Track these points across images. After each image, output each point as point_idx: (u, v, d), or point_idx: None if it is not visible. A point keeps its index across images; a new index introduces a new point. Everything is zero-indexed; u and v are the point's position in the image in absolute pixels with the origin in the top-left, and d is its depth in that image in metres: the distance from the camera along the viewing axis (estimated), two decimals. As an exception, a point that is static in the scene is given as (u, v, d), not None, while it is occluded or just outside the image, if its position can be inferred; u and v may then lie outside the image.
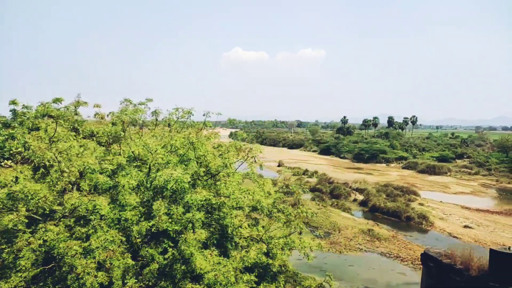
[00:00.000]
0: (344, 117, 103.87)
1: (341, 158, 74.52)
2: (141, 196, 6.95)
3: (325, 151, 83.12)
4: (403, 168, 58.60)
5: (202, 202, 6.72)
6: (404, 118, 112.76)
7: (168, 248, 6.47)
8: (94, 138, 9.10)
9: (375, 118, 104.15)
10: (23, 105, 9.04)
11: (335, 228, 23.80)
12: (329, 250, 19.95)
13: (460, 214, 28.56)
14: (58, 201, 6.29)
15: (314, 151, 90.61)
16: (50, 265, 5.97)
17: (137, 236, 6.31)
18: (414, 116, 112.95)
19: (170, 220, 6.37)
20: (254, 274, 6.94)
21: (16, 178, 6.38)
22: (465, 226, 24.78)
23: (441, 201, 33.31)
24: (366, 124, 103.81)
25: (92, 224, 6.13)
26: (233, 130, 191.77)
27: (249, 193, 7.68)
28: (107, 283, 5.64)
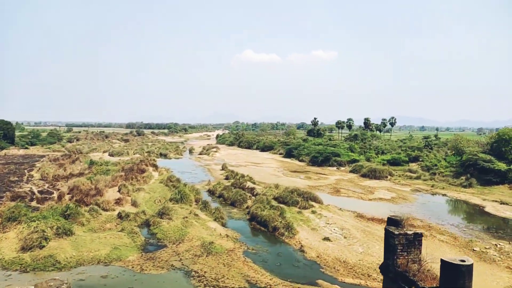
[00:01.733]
0: (315, 118, 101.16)
1: (299, 161, 72.17)
2: None
3: (289, 153, 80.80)
4: (350, 171, 55.99)
5: None
6: (383, 119, 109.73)
7: None
8: None
9: (349, 119, 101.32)
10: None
11: (177, 241, 21.62)
12: (133, 267, 17.78)
13: (343, 223, 26.05)
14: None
15: (280, 153, 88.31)
16: None
17: None
18: (393, 118, 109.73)
19: None
20: None
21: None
22: (325, 238, 22.33)
23: (340, 209, 30.83)
24: (339, 126, 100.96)
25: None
26: (222, 132, 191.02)
27: None
28: None
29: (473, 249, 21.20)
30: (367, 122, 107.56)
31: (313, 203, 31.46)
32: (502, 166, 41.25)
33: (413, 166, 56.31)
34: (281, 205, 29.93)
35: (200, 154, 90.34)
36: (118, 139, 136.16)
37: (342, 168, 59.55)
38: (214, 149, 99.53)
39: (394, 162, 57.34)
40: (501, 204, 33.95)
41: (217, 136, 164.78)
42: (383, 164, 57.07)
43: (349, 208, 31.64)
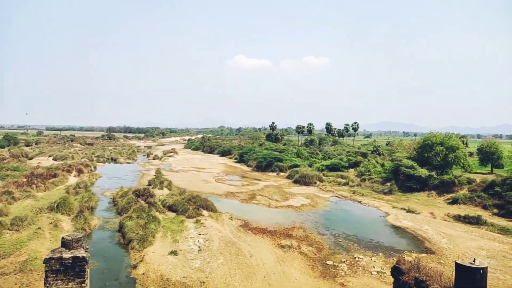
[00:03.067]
0: (273, 123, 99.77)
1: (247, 166, 70.47)
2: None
3: (241, 158, 79.10)
4: (286, 177, 54.52)
5: None
6: (345, 124, 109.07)
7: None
8: None
9: (309, 124, 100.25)
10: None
11: (3, 255, 19.39)
12: None
13: (215, 234, 24.14)
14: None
15: (236, 158, 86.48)
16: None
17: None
18: (356, 123, 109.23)
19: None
20: None
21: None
22: (172, 252, 20.34)
23: (231, 218, 29.03)
24: (299, 131, 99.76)
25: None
26: (194, 137, 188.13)
27: None
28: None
29: (326, 263, 19.61)
30: (328, 127, 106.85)
31: (204, 211, 29.65)
32: (423, 172, 40.25)
33: (351, 172, 55.17)
34: (162, 214, 28.11)
35: (154, 159, 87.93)
36: (81, 143, 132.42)
37: (282, 174, 58.05)
38: (171, 154, 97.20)
39: (333, 168, 56.11)
40: (407, 212, 32.73)
41: (189, 140, 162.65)
42: (322, 170, 55.86)
43: (246, 216, 29.95)
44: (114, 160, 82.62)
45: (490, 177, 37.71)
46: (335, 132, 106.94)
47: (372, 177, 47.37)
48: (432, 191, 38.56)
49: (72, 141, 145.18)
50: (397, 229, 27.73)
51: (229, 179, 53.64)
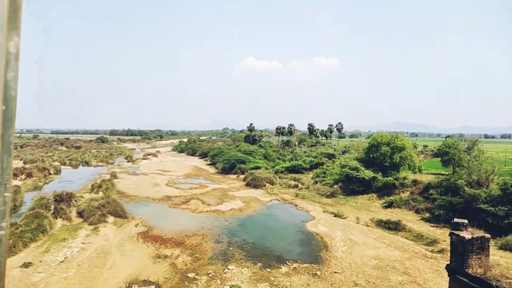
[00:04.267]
0: (251, 124, 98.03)
1: (215, 168, 69.03)
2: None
3: (213, 161, 77.72)
4: (243, 179, 52.83)
5: None
6: (329, 125, 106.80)
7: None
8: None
9: (290, 125, 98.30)
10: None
11: None
12: None
13: (98, 242, 22.84)
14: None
15: (210, 160, 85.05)
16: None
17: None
18: (340, 123, 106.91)
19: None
20: None
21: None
22: (24, 265, 19.02)
23: (136, 225, 27.58)
24: (279, 132, 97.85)
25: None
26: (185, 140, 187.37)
27: None
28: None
29: (187, 276, 17.98)
30: (311, 128, 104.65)
31: (110, 217, 28.29)
32: (367, 174, 38.24)
33: (310, 174, 53.30)
34: (66, 221, 26.83)
35: (129, 161, 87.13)
36: (67, 147, 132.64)
37: (241, 176, 56.40)
38: (149, 157, 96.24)
39: (293, 170, 54.35)
40: (334, 216, 30.88)
41: (180, 143, 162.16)
42: (281, 172, 54.16)
43: (158, 223, 28.53)
44: (86, 163, 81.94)
45: (433, 179, 35.53)
46: (318, 133, 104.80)
47: (325, 180, 45.49)
48: (373, 194, 36.61)
49: (62, 144, 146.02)
50: (308, 235, 25.92)
51: (184, 182, 52.18)
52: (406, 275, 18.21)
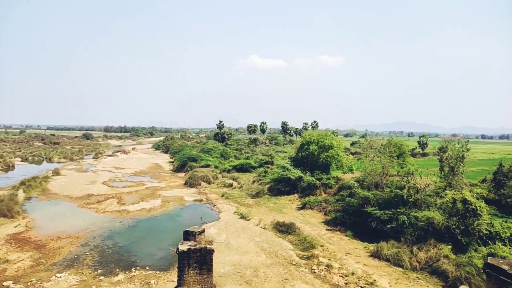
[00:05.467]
0: (220, 121, 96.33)
1: (173, 165, 67.53)
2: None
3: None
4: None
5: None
6: (304, 123, 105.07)
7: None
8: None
9: (263, 123, 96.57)
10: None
11: None
12: None
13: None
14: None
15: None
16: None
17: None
18: (315, 121, 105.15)
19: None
20: None
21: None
22: None
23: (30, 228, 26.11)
24: (250, 130, 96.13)
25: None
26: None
27: None
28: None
29: None
30: (284, 126, 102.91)
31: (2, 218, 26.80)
32: (293, 174, 36.63)
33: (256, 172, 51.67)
34: None
35: (94, 158, 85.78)
36: (45, 143, 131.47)
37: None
38: (117, 154, 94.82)
39: (241, 168, 52.73)
40: (240, 218, 29.36)
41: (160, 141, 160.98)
42: (229, 170, 52.62)
43: (49, 223, 27.13)
44: (49, 160, 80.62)
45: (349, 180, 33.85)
46: (292, 131, 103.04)
47: (264, 179, 43.85)
48: (295, 194, 35.05)
49: (42, 140, 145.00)
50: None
51: (126, 180, 50.66)
52: (247, 284, 16.69)
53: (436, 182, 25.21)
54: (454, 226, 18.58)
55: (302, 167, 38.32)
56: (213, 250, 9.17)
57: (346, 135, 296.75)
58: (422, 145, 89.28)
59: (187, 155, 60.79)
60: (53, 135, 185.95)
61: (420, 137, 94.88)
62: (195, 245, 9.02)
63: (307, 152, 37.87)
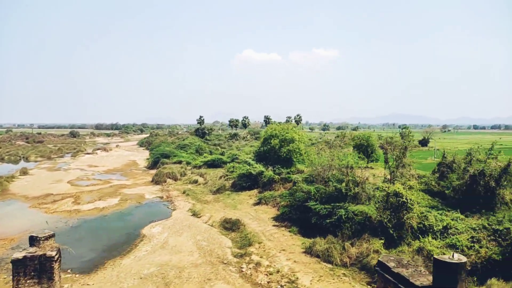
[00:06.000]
0: (200, 117, 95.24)
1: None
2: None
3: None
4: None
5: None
6: (287, 117, 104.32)
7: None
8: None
9: (245, 117, 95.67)
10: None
11: None
12: None
13: None
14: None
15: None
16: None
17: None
18: (298, 115, 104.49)
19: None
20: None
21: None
22: None
23: None
24: (232, 125, 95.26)
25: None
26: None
27: None
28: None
29: None
30: (267, 120, 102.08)
31: None
32: (254, 169, 35.93)
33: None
34: None
35: (72, 156, 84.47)
36: (28, 142, 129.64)
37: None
38: (97, 151, 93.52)
39: (212, 164, 51.93)
40: (191, 215, 28.69)
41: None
42: (200, 166, 51.81)
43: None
44: (26, 159, 79.20)
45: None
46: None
47: (232, 175, 43.09)
48: (256, 190, 34.39)
49: (27, 138, 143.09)
50: (134, 238, 23.64)
51: (94, 178, 49.65)
52: (165, 286, 16.00)
53: (385, 175, 24.63)
54: (386, 220, 18.00)
55: (265, 161, 37.64)
56: (53, 257, 8.41)
57: (339, 128, 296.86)
58: (404, 137, 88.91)
59: (160, 151, 59.84)
60: (40, 133, 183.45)
61: (402, 129, 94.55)
62: (35, 252, 8.23)
63: (269, 147, 37.15)
